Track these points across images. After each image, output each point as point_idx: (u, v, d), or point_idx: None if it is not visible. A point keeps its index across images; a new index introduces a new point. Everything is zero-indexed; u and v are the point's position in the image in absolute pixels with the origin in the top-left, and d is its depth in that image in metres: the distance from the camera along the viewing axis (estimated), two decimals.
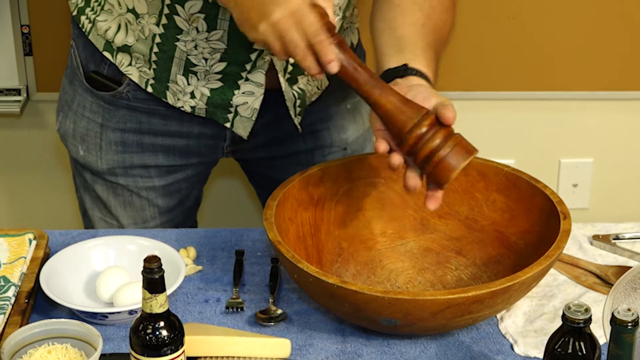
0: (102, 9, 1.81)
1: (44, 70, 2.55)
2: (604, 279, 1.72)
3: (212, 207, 2.74)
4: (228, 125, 1.84)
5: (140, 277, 1.36)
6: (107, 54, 1.82)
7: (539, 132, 2.71)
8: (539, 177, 1.74)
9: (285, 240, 1.59)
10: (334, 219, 1.74)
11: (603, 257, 1.78)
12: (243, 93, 1.80)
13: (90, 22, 1.84)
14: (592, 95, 2.66)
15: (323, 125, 1.95)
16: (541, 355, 1.53)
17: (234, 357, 1.52)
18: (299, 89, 1.85)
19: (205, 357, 1.51)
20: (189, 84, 1.80)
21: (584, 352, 1.34)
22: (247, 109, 1.82)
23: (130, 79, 1.83)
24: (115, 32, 1.80)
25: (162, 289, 1.36)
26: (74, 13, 1.87)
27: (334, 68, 1.51)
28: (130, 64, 1.81)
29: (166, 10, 1.72)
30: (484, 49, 2.59)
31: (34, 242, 1.73)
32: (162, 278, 1.36)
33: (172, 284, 1.60)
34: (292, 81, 1.83)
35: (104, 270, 1.67)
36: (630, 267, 1.67)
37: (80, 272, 1.69)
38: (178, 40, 1.75)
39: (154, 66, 1.80)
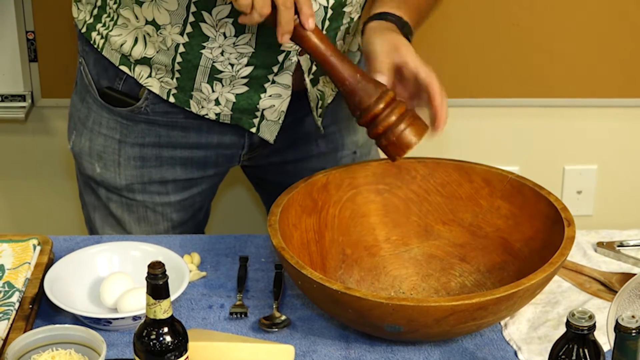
0: (115, 23, 1.80)
1: (48, 77, 2.55)
2: (608, 286, 1.71)
3: (217, 214, 2.74)
4: (254, 130, 1.85)
5: (144, 283, 1.36)
6: (124, 68, 1.82)
7: (543, 139, 2.71)
8: (543, 184, 1.74)
9: (289, 247, 1.59)
10: (338, 226, 1.74)
11: (607, 264, 1.78)
12: (270, 96, 1.80)
13: (102, 37, 1.83)
14: (596, 102, 2.66)
15: (335, 128, 1.96)
16: None
17: None
18: (319, 90, 1.86)
19: None
20: (213, 91, 1.80)
21: (588, 359, 1.34)
22: (274, 112, 1.83)
23: (150, 91, 1.82)
24: (131, 45, 1.80)
25: (166, 294, 1.36)
26: (83, 30, 1.86)
27: (311, 24, 1.58)
28: (150, 76, 1.81)
29: (191, 19, 1.72)
30: (488, 56, 2.59)
31: (38, 248, 1.73)
32: (166, 284, 1.36)
33: (176, 290, 1.60)
34: (314, 82, 1.84)
35: (108, 276, 1.67)
36: (634, 274, 1.67)
37: (84, 277, 1.69)
38: (204, 47, 1.75)
39: (177, 75, 1.80)
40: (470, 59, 2.60)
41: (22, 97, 2.56)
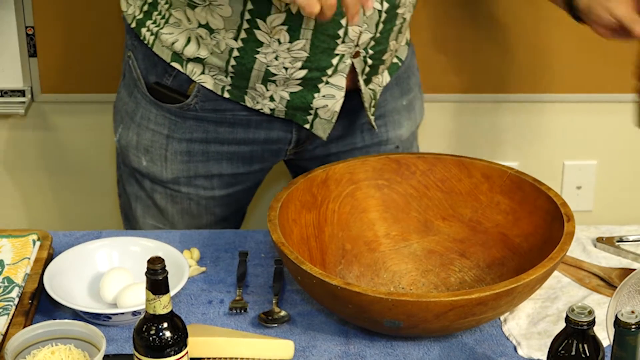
0: (166, 22, 1.81)
1: (48, 72, 2.55)
2: (608, 281, 1.71)
3: None
4: (307, 126, 1.86)
5: (144, 278, 1.36)
6: (176, 65, 1.82)
7: (543, 135, 2.71)
8: (542, 180, 1.74)
9: (289, 242, 1.59)
10: (338, 221, 1.74)
11: (607, 260, 1.78)
12: (323, 96, 1.81)
13: (152, 34, 1.83)
14: (596, 97, 2.65)
15: (381, 122, 1.96)
16: (544, 357, 1.52)
17: (237, 358, 1.52)
18: (371, 89, 1.87)
19: (209, 359, 1.51)
20: (267, 90, 1.81)
21: (588, 355, 1.34)
22: (327, 112, 1.83)
23: (200, 88, 1.83)
24: (184, 44, 1.80)
25: (165, 290, 1.36)
26: (133, 25, 1.87)
27: (331, 11, 1.49)
28: (203, 73, 1.82)
29: (245, 25, 1.72)
30: (487, 52, 2.59)
31: (37, 243, 1.73)
32: (165, 279, 1.36)
33: (175, 285, 1.60)
34: (367, 82, 1.85)
35: (108, 271, 1.67)
36: (634, 270, 1.67)
37: (84, 273, 1.69)
38: (258, 52, 1.75)
39: (231, 75, 1.81)
40: (469, 55, 2.60)
41: (22, 93, 2.56)
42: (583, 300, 1.68)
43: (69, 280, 1.66)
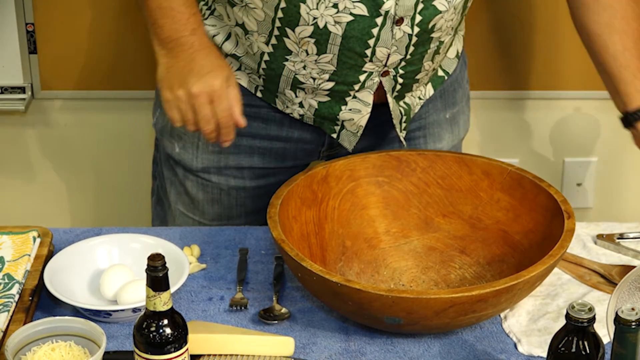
0: (211, 13, 1.81)
1: (48, 69, 2.55)
2: (608, 278, 1.71)
3: None
4: (334, 136, 1.86)
5: (144, 275, 1.36)
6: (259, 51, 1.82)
7: (543, 132, 2.71)
8: (543, 177, 1.74)
9: (289, 239, 1.59)
10: (338, 218, 1.74)
11: (607, 257, 1.78)
12: (350, 110, 1.81)
13: None
14: (596, 94, 2.65)
15: (420, 133, 1.95)
16: (545, 354, 1.53)
17: (237, 355, 1.52)
18: (405, 103, 1.85)
19: (209, 355, 1.51)
20: (296, 97, 1.81)
21: (588, 352, 1.34)
22: (353, 125, 1.83)
23: (238, 84, 1.83)
24: (223, 40, 1.81)
25: (165, 287, 1.36)
26: None
27: (226, 144, 1.71)
28: (239, 69, 1.82)
29: (276, 32, 1.72)
30: (488, 48, 2.59)
31: (38, 240, 1.73)
32: (166, 276, 1.36)
33: (175, 282, 1.60)
34: (399, 98, 1.84)
35: (108, 268, 1.67)
36: (634, 267, 1.67)
37: (84, 269, 1.69)
38: (287, 60, 1.76)
39: (262, 77, 1.81)
40: (470, 52, 2.60)
41: (22, 89, 2.56)
42: (583, 297, 1.68)
43: (69, 277, 1.66)
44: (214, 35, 1.81)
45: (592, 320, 1.33)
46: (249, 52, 1.78)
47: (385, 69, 1.76)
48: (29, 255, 1.69)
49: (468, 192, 1.76)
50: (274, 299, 1.66)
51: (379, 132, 1.90)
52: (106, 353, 1.50)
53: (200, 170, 1.93)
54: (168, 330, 1.38)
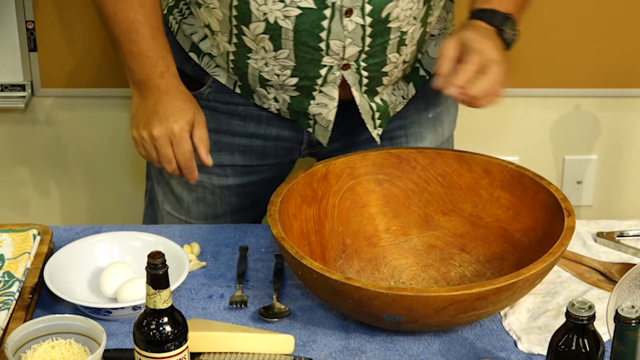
0: (190, 13, 1.83)
1: (48, 66, 2.55)
2: (608, 276, 1.71)
3: None
4: (310, 130, 1.87)
5: (144, 273, 1.36)
6: (193, 55, 1.85)
7: (543, 129, 2.71)
8: (543, 174, 1.74)
9: (289, 237, 1.59)
10: (338, 216, 1.74)
11: (607, 254, 1.78)
12: (318, 104, 1.81)
13: (177, 22, 1.86)
14: (596, 92, 2.65)
15: (401, 132, 1.94)
16: (545, 352, 1.53)
17: (237, 352, 1.52)
18: (381, 100, 1.84)
19: (209, 353, 1.51)
20: (268, 93, 1.82)
21: (588, 349, 1.34)
22: (323, 119, 1.83)
23: (215, 80, 1.85)
24: (200, 39, 1.83)
25: (166, 284, 1.36)
26: (165, 11, 1.89)
27: (191, 182, 1.81)
28: (217, 66, 1.84)
29: (235, 31, 1.74)
30: None
31: (38, 238, 1.73)
32: (166, 274, 1.36)
33: (176, 280, 1.60)
34: (371, 93, 1.82)
35: (108, 265, 1.67)
36: (634, 265, 1.67)
37: (84, 267, 1.69)
38: (249, 58, 1.77)
39: (235, 75, 1.83)
40: None
41: (22, 87, 2.56)
42: (583, 295, 1.68)
43: (69, 275, 1.66)
44: (192, 34, 1.83)
45: (592, 318, 1.33)
46: (218, 51, 1.80)
47: (345, 62, 1.75)
48: (29, 253, 1.69)
49: (468, 190, 1.76)
50: (274, 296, 1.66)
51: (359, 130, 1.90)
52: (106, 351, 1.50)
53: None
54: (168, 328, 1.38)
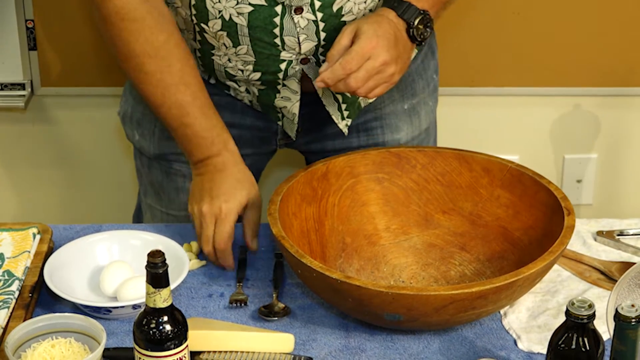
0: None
1: (48, 65, 2.55)
2: (608, 275, 1.71)
3: None
4: (280, 123, 1.88)
5: (144, 272, 1.36)
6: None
7: (543, 128, 2.71)
8: (543, 173, 1.74)
9: (289, 235, 1.59)
10: (338, 214, 1.74)
11: (607, 253, 1.78)
12: (282, 98, 1.82)
13: None
14: (596, 91, 2.66)
15: (377, 124, 1.94)
16: (545, 351, 1.53)
17: (237, 351, 1.52)
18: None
19: (209, 352, 1.51)
20: (239, 86, 1.83)
21: (588, 348, 1.34)
22: (289, 112, 1.84)
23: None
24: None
25: (165, 283, 1.36)
26: None
27: (229, 269, 1.73)
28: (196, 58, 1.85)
29: (197, 28, 1.75)
30: (488, 45, 2.59)
31: (37, 237, 1.73)
32: (165, 273, 1.36)
33: (175, 279, 1.60)
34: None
35: (108, 264, 1.67)
36: (634, 263, 1.67)
37: (84, 266, 1.69)
38: (213, 54, 1.78)
39: (207, 72, 1.84)
40: (470, 48, 2.60)
41: (22, 86, 2.56)
42: (583, 293, 1.68)
43: (69, 274, 1.66)
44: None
45: (592, 316, 1.33)
46: (190, 48, 1.80)
47: (303, 56, 1.76)
48: (29, 251, 1.69)
49: (468, 189, 1.76)
50: (273, 295, 1.66)
51: (332, 121, 1.89)
52: (106, 350, 1.50)
53: (160, 157, 1.93)
54: (168, 327, 1.38)
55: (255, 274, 1.73)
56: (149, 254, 1.35)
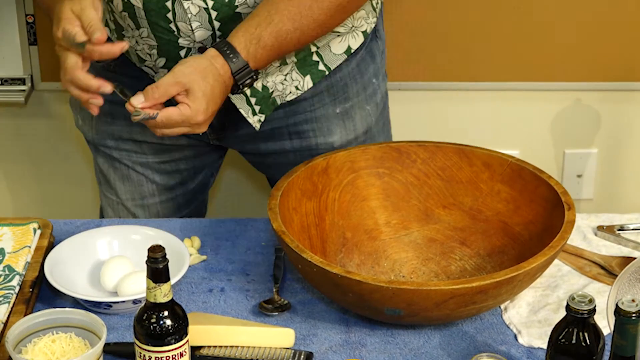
0: None
1: (48, 60, 2.55)
2: (608, 270, 1.72)
3: (218, 198, 2.74)
4: None
5: (145, 267, 1.36)
6: (107, 29, 1.82)
7: (543, 123, 2.71)
8: (543, 168, 1.74)
9: (290, 230, 1.59)
10: (338, 209, 1.74)
11: (607, 248, 1.78)
12: None
13: None
14: (597, 86, 2.65)
15: (308, 127, 1.92)
16: (545, 346, 1.53)
17: (237, 346, 1.52)
18: (263, 86, 1.82)
19: (209, 347, 1.51)
20: (156, 73, 1.83)
21: (588, 343, 1.34)
22: None
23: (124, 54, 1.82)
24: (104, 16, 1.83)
25: (166, 278, 1.36)
26: None
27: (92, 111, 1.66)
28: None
29: (108, 8, 1.76)
30: (488, 39, 2.58)
31: (38, 232, 1.73)
32: (166, 267, 1.36)
33: (176, 274, 1.60)
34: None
35: (108, 259, 1.67)
36: (634, 258, 1.67)
37: (84, 261, 1.69)
38: (124, 36, 1.79)
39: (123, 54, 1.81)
40: (470, 43, 2.60)
41: (22, 81, 2.56)
42: (583, 288, 1.68)
43: (69, 269, 1.66)
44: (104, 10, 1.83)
45: (593, 311, 1.33)
46: (109, 29, 1.80)
47: (200, 44, 1.75)
48: (30, 246, 1.69)
49: (468, 184, 1.76)
50: (274, 290, 1.66)
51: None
52: (106, 344, 1.50)
53: (100, 143, 1.94)
54: (168, 322, 1.38)
55: (256, 269, 1.73)
56: (149, 249, 1.35)
